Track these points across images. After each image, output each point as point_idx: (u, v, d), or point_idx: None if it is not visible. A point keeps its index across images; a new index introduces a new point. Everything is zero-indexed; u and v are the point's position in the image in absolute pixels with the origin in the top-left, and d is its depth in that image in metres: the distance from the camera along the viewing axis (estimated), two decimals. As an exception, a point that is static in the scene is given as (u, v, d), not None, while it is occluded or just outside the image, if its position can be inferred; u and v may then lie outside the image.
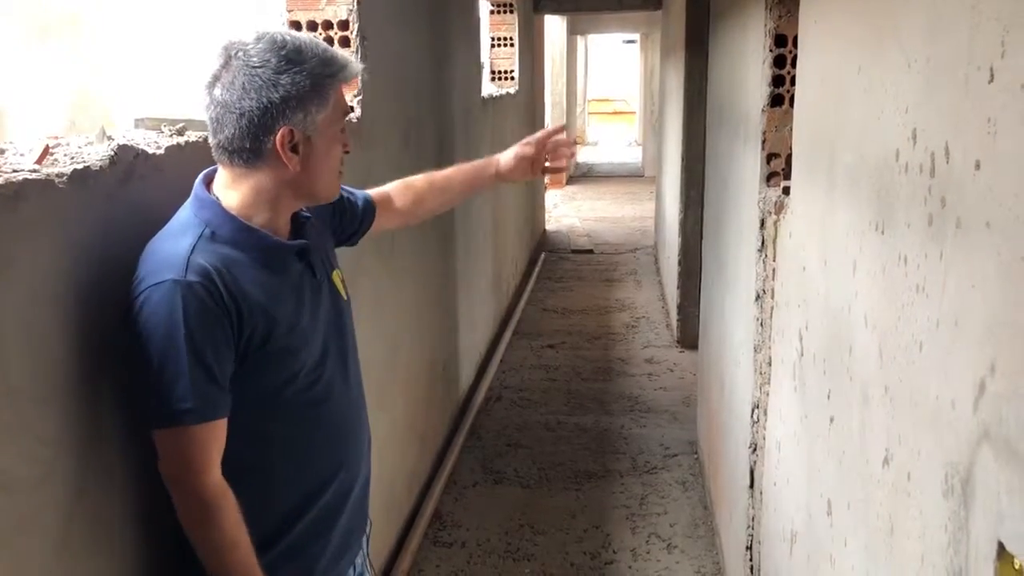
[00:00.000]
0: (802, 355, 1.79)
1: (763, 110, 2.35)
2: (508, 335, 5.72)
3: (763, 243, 2.34)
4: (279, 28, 1.45)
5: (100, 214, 1.32)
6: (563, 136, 2.02)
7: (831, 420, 1.54)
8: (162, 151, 1.49)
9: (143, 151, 1.44)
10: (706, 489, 3.56)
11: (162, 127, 1.64)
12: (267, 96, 1.31)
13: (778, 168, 2.38)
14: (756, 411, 2.42)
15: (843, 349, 1.47)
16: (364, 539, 1.68)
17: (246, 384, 1.36)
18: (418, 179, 1.95)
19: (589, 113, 21.64)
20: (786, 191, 2.18)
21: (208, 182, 1.41)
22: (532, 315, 6.32)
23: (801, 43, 1.85)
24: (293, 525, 1.47)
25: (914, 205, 1.11)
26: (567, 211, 11.05)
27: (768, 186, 2.37)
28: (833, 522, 1.52)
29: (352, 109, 1.45)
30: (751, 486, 2.49)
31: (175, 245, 1.31)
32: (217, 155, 1.39)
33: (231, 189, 1.39)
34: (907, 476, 1.13)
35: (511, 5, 6.86)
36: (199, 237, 1.33)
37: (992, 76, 0.88)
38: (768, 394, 2.26)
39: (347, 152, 1.46)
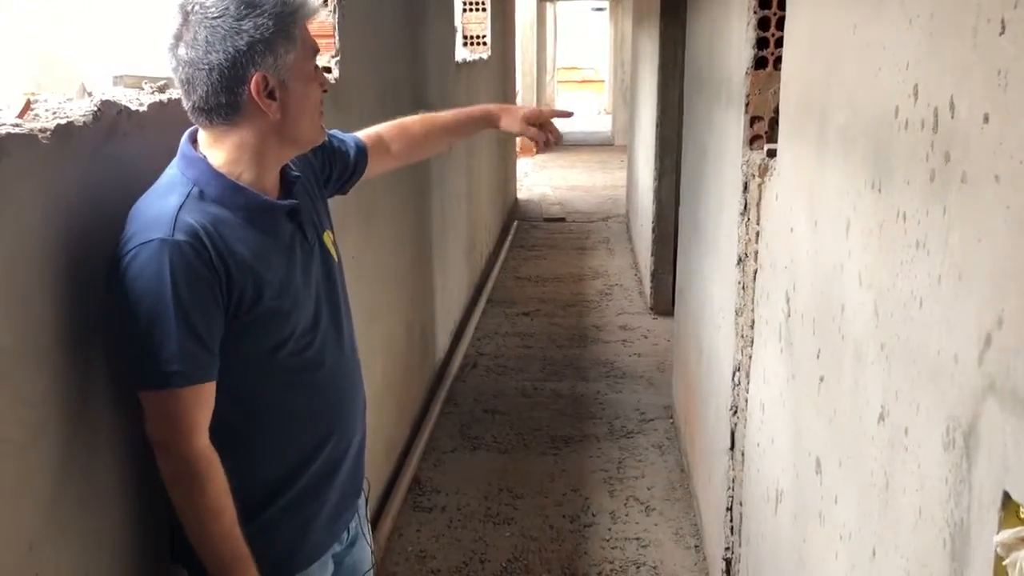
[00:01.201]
0: (789, 316, 1.80)
1: (747, 72, 2.34)
2: (483, 303, 5.72)
3: (746, 206, 2.34)
4: None
5: (84, 171, 1.28)
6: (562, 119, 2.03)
7: (821, 379, 1.55)
8: (145, 108, 1.45)
9: (126, 107, 1.40)
10: (682, 452, 3.60)
11: (143, 84, 1.59)
12: (233, 45, 1.27)
13: (761, 131, 2.38)
14: (737, 374, 2.44)
15: (834, 308, 1.47)
16: (361, 501, 1.67)
17: (237, 347, 1.33)
18: (414, 122, 1.91)
19: (558, 81, 21.54)
20: (771, 154, 2.18)
21: (194, 140, 1.38)
22: (506, 283, 6.32)
23: (789, 4, 1.84)
24: (286, 490, 1.45)
25: (914, 161, 1.11)
26: (538, 180, 11.03)
27: (751, 149, 2.37)
28: (823, 480, 1.53)
29: (318, 47, 1.41)
30: (731, 448, 2.51)
31: (163, 204, 1.28)
32: (194, 117, 1.35)
33: (215, 148, 1.35)
34: (904, 431, 1.14)
35: (483, -31, 6.78)
36: (187, 196, 1.30)
37: (1003, 27, 0.87)
38: (751, 357, 2.28)
39: (325, 91, 1.42)
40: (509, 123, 1.97)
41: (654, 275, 5.47)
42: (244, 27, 1.27)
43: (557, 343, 5.05)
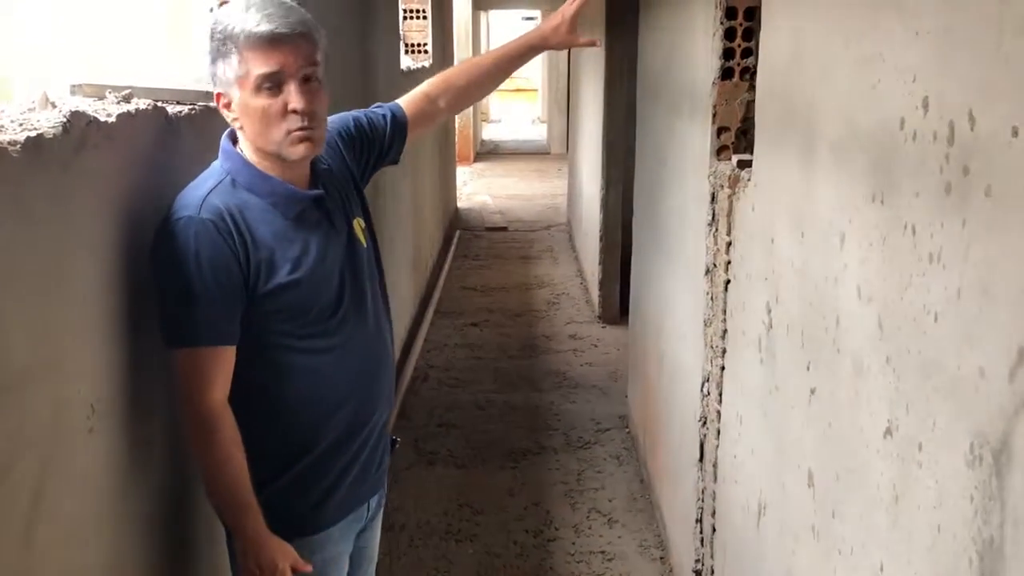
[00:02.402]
0: (771, 328, 1.80)
1: (714, 83, 2.34)
2: (430, 314, 5.65)
3: (714, 217, 2.34)
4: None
5: (54, 185, 1.19)
6: None
7: (812, 391, 1.54)
8: (114, 119, 1.36)
9: (95, 118, 1.31)
10: (641, 462, 3.59)
11: (107, 93, 1.51)
12: (207, 62, 1.48)
13: (728, 141, 2.38)
14: (707, 385, 2.43)
15: (827, 321, 1.47)
16: (384, 476, 1.77)
17: (258, 319, 1.48)
18: (458, 73, 1.99)
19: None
20: (741, 164, 2.18)
21: (234, 137, 1.55)
22: (452, 293, 6.26)
23: (766, 15, 1.84)
24: (307, 452, 1.57)
25: (925, 174, 1.10)
26: (477, 188, 10.99)
27: (719, 160, 2.37)
28: (816, 494, 1.52)
29: (280, 71, 1.46)
30: (700, 460, 2.50)
31: (197, 189, 1.47)
32: None
33: (245, 140, 1.52)
34: (917, 446, 1.13)
35: (424, -23, 6.71)
36: (219, 183, 1.48)
37: (1035, 41, 0.87)
38: (723, 368, 2.27)
39: (294, 111, 1.46)
40: (559, 41, 2.00)
41: (602, 284, 5.47)
42: (209, 46, 1.47)
43: (508, 354, 5.01)
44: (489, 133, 16.91)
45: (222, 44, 1.44)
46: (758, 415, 1.89)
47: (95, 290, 1.31)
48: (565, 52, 16.75)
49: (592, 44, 2.14)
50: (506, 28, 22.91)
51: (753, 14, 2.30)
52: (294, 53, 1.44)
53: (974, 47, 0.99)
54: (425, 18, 6.75)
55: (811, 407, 1.55)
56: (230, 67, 1.44)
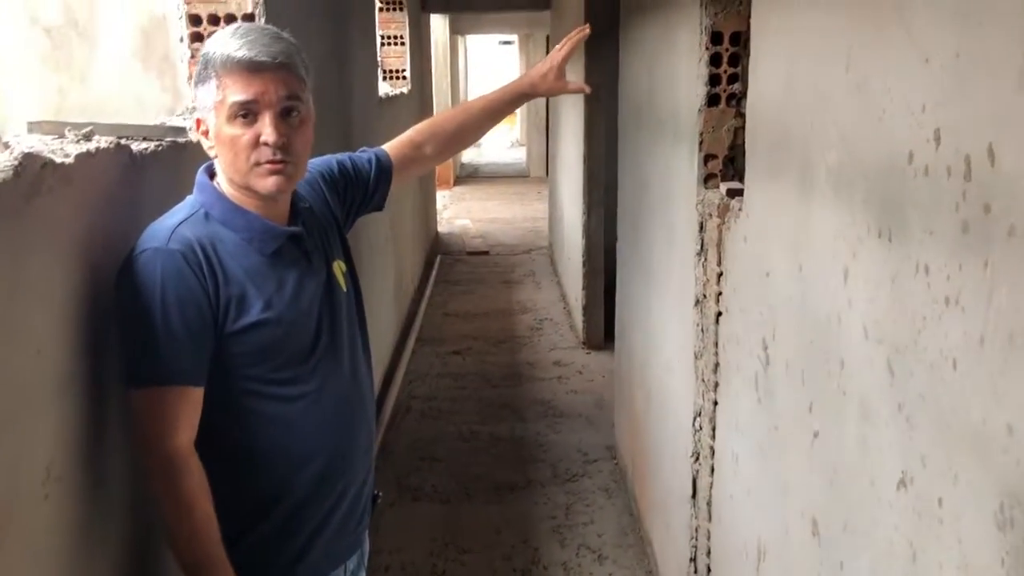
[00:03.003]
0: (768, 364, 1.72)
1: (700, 110, 2.28)
2: (411, 342, 5.55)
3: (702, 246, 2.27)
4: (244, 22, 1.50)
5: (5, 234, 1.10)
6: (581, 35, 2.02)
7: (815, 434, 1.47)
8: (71, 160, 1.28)
9: (51, 160, 1.22)
10: (631, 495, 3.50)
11: (66, 131, 1.42)
12: (192, 86, 1.45)
13: (715, 169, 2.32)
14: (698, 419, 2.36)
15: (830, 361, 1.40)
16: (363, 535, 1.68)
17: (227, 361, 1.40)
18: (446, 119, 1.95)
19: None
20: (730, 193, 2.12)
21: (212, 171, 1.48)
22: (434, 320, 6.16)
23: (755, 40, 1.78)
24: (277, 505, 1.48)
25: (939, 211, 1.04)
26: (457, 212, 10.92)
27: (706, 188, 2.31)
28: (821, 542, 1.45)
29: (256, 101, 1.39)
30: (693, 496, 2.42)
31: (166, 221, 1.40)
32: None
33: (222, 174, 1.46)
34: (937, 502, 1.06)
35: (401, 3, 6.66)
36: (191, 215, 1.41)
37: (1065, 72, 0.80)
38: (715, 402, 2.20)
39: (267, 144, 1.39)
40: (547, 88, 1.96)
41: (586, 309, 5.40)
42: (195, 71, 1.42)
43: (491, 382, 4.92)
44: (468, 156, 16.87)
45: (203, 68, 1.40)
46: (756, 455, 1.81)
47: (50, 345, 1.22)
48: (543, 75, 16.86)
49: (582, 90, 2.08)
50: (483, 52, 22.98)
51: (738, 39, 2.25)
52: (274, 83, 1.38)
53: (992, 75, 0.93)
54: (403, 44, 6.70)
55: (814, 450, 1.48)
56: (208, 92, 1.39)
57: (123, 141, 1.49)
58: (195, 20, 2.42)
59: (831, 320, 1.39)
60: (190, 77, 2.12)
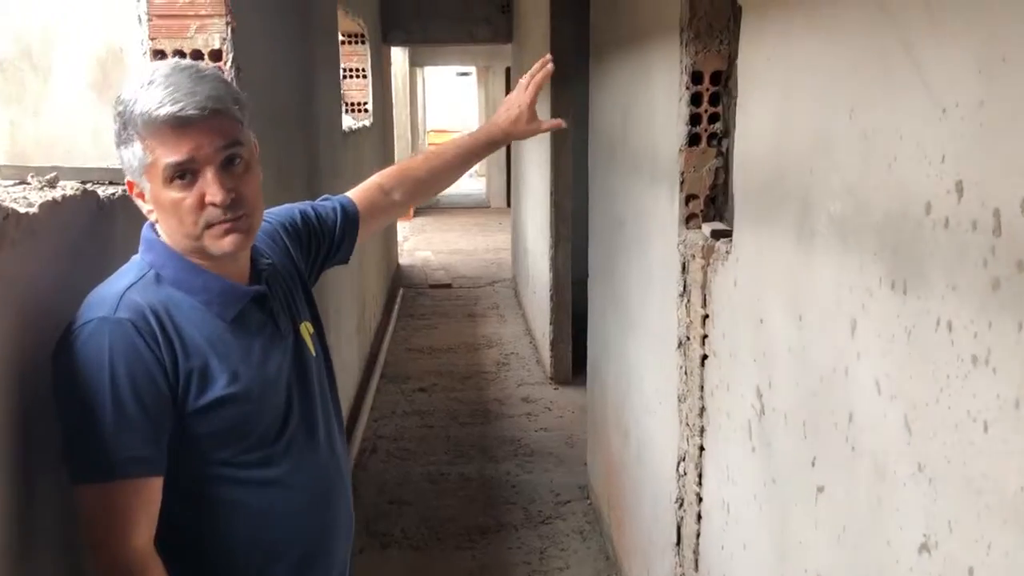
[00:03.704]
0: (763, 414, 1.67)
1: (680, 150, 2.25)
2: (376, 379, 5.43)
3: (685, 287, 2.23)
4: (162, 62, 1.29)
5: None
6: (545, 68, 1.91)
7: (819, 489, 1.42)
8: (36, 209, 1.19)
9: (13, 210, 1.14)
10: (607, 537, 3.43)
11: (29, 177, 1.33)
12: (115, 146, 1.26)
13: (696, 210, 2.28)
14: (683, 464, 2.30)
15: (837, 416, 1.35)
16: None
17: (189, 441, 1.25)
18: (417, 164, 1.83)
19: (428, 144, 21.56)
20: (715, 234, 2.08)
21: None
22: (398, 356, 6.05)
23: (743, 80, 1.75)
24: None
25: (963, 266, 1.00)
26: (418, 243, 10.84)
27: (687, 228, 2.27)
28: (830, 603, 1.39)
29: (192, 159, 1.22)
30: (678, 544, 2.36)
31: (111, 286, 1.25)
32: None
33: (166, 234, 1.30)
34: (967, 571, 1.01)
35: (363, 36, 6.62)
36: (140, 278, 1.25)
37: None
38: (701, 447, 2.14)
39: (214, 204, 1.23)
40: (521, 133, 1.86)
41: (553, 344, 5.34)
42: (114, 130, 1.24)
43: (459, 420, 4.83)
44: (427, 187, 16.79)
45: (123, 128, 1.21)
46: (752, 507, 1.75)
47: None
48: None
49: (559, 127, 1.97)
50: (440, 84, 23.04)
51: (719, 78, 2.22)
52: (208, 135, 1.21)
53: (1014, 127, 0.89)
54: (365, 77, 6.64)
55: (819, 507, 1.42)
56: (135, 155, 1.22)
57: (89, 186, 1.41)
58: (159, 55, 2.34)
59: (837, 372, 1.34)
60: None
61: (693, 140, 2.25)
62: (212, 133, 1.21)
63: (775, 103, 1.58)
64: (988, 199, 0.95)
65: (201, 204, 1.22)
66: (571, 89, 5.01)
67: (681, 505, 2.33)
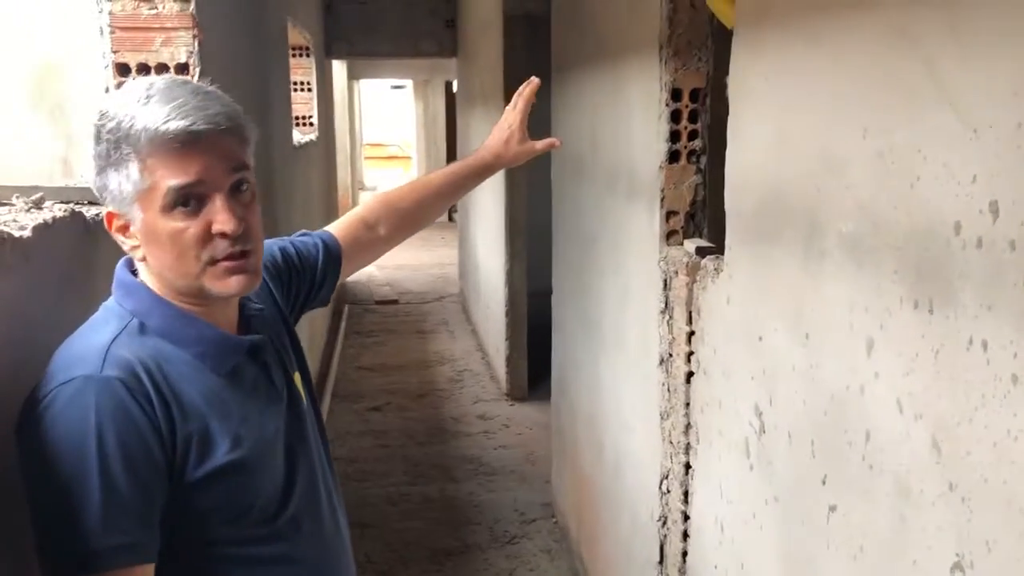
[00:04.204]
0: (763, 432, 1.67)
1: (661, 167, 2.25)
2: (327, 399, 5.33)
3: (667, 304, 2.23)
4: (156, 76, 1.16)
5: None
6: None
7: (832, 508, 1.41)
8: (29, 233, 1.12)
9: (8, 235, 1.07)
10: (576, 555, 3.40)
11: (13, 198, 1.25)
12: (94, 174, 1.10)
13: (677, 226, 2.29)
14: (666, 482, 2.29)
15: (850, 433, 1.34)
16: None
17: (185, 516, 1.08)
18: (402, 195, 1.67)
19: (365, 158, 21.37)
20: (700, 252, 2.08)
21: (132, 266, 1.16)
22: (348, 375, 5.95)
23: (736, 99, 1.75)
24: None
25: (1000, 287, 1.00)
26: (361, 260, 10.70)
27: (668, 245, 2.27)
28: (845, 622, 1.38)
29: (201, 182, 1.08)
30: (661, 562, 2.35)
31: (92, 338, 1.08)
32: None
33: (152, 275, 1.14)
34: (1009, 591, 1.01)
35: (308, 49, 6.53)
36: (123, 329, 1.09)
37: None
38: (687, 465, 2.13)
39: (224, 235, 1.09)
40: (514, 155, 1.74)
41: (509, 360, 5.31)
42: (95, 150, 1.08)
43: (416, 440, 4.76)
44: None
45: (114, 148, 1.06)
46: (751, 525, 1.74)
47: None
48: (443, 117, 16.86)
49: (553, 147, 1.81)
50: (376, 97, 22.90)
51: (698, 95, 2.23)
52: (219, 155, 1.08)
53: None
54: (310, 90, 6.55)
55: (831, 526, 1.42)
56: (128, 179, 1.06)
57: (76, 208, 1.34)
58: (123, 69, 2.25)
59: (851, 391, 1.34)
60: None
61: (673, 157, 2.25)
62: (223, 153, 1.08)
63: (774, 121, 1.58)
64: (1029, 220, 0.95)
65: (206, 236, 1.08)
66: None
67: (664, 523, 2.32)
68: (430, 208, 1.71)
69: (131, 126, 1.04)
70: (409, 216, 1.66)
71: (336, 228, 1.58)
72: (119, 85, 2.23)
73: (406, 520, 3.82)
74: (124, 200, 1.07)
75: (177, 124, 1.04)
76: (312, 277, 1.48)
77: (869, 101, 1.26)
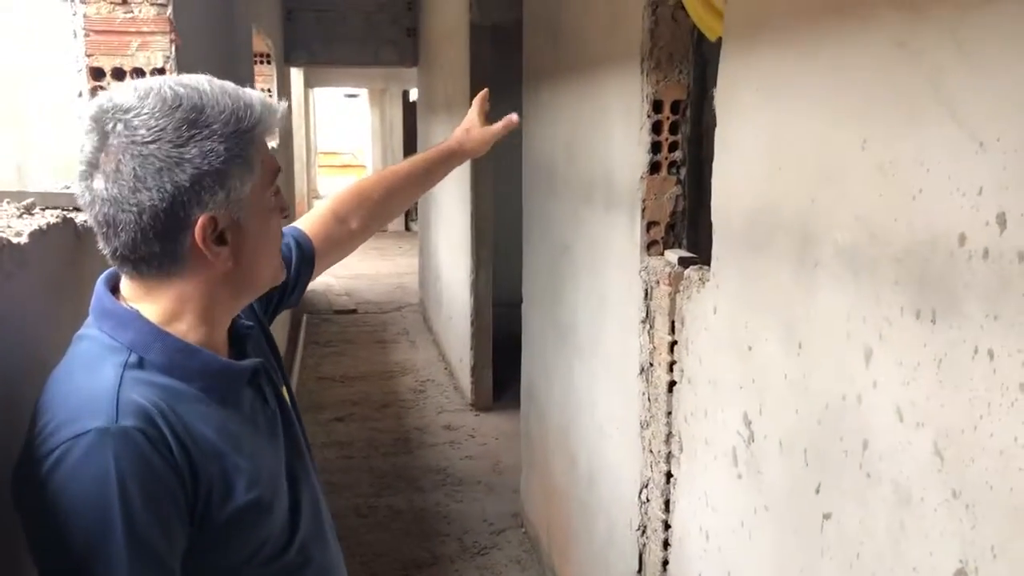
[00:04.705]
0: (751, 441, 1.68)
1: (642, 177, 2.26)
2: (289, 410, 5.25)
3: (648, 314, 2.24)
4: (163, 79, 1.03)
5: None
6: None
7: (826, 516, 1.43)
8: (25, 239, 1.09)
9: (7, 241, 1.03)
10: (546, 566, 3.39)
11: (4, 203, 1.21)
12: (171, 181, 0.95)
13: (658, 236, 2.30)
14: (645, 491, 2.30)
15: (846, 441, 1.36)
16: None
17: (201, 564, 0.99)
18: (372, 186, 1.60)
19: (319, 166, 21.20)
20: (683, 262, 2.10)
21: (114, 287, 1.04)
22: (309, 386, 5.87)
23: (724, 111, 1.77)
24: None
25: (1008, 297, 1.02)
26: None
27: (649, 255, 2.28)
28: (841, 629, 1.40)
29: (279, 167, 1.07)
30: (640, 571, 2.35)
31: (92, 380, 0.95)
32: (117, 265, 1.02)
33: (147, 301, 1.02)
34: (1017, 595, 1.02)
35: (269, 56, 6.46)
36: (124, 366, 0.96)
37: None
38: (669, 474, 2.14)
39: (286, 216, 1.11)
40: (476, 140, 1.72)
41: (474, 370, 5.29)
42: (187, 155, 0.95)
43: (381, 451, 4.71)
44: (321, 210, 16.50)
45: (237, 141, 0.98)
46: (739, 534, 1.75)
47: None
48: (400, 128, 16.78)
49: (512, 125, 1.77)
50: (330, 105, 22.76)
51: (678, 107, 2.25)
52: None
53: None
54: (271, 98, 6.48)
55: (826, 533, 1.43)
56: (249, 172, 1.00)
57: (68, 214, 1.30)
58: (97, 74, 2.20)
59: (848, 400, 1.36)
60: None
61: (654, 168, 2.27)
62: None
63: (765, 134, 1.60)
64: (1038, 231, 0.98)
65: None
66: (488, 115, 4.99)
67: (644, 532, 2.32)
68: (401, 197, 1.66)
69: (253, 113, 1.00)
70: (379, 207, 1.60)
71: (307, 225, 1.51)
72: (93, 90, 2.19)
73: (374, 532, 3.78)
74: (241, 198, 1.00)
75: (276, 109, 1.04)
76: (285, 281, 1.38)
77: (869, 113, 1.28)
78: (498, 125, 1.76)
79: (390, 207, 1.64)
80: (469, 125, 1.74)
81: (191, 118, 0.96)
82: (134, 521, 0.89)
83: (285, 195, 1.12)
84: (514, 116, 1.80)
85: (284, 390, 1.23)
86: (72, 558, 0.88)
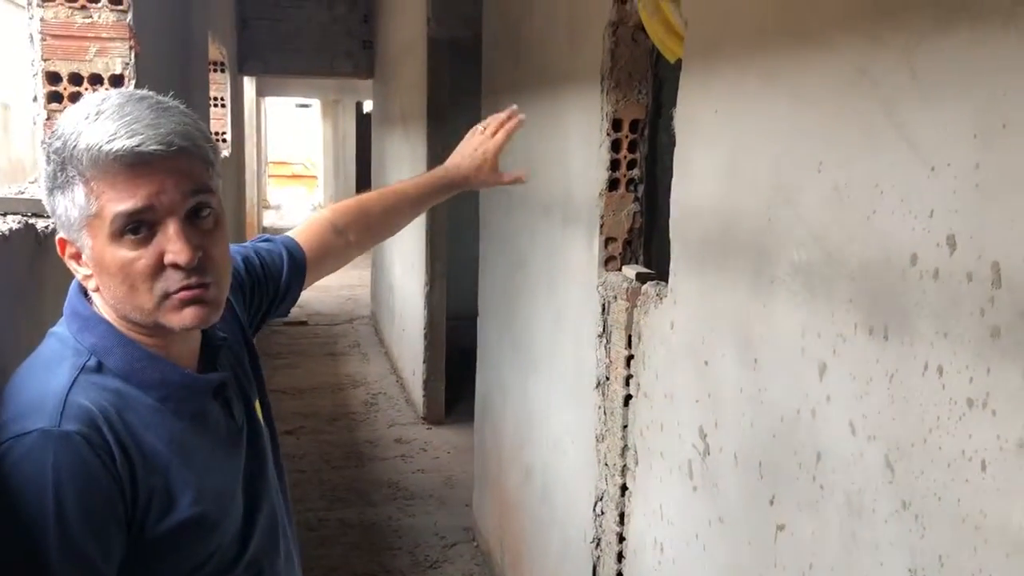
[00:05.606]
0: (707, 454, 1.72)
1: (601, 194, 2.30)
2: (238, 422, 5.18)
3: (605, 328, 2.27)
4: (114, 90, 1.07)
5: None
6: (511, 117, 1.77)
7: (780, 528, 1.46)
8: (-10, 245, 1.07)
9: (-28, 247, 1.02)
10: (499, 580, 3.40)
11: (-34, 209, 1.20)
12: (44, 193, 1.01)
13: (615, 252, 2.34)
14: (600, 504, 2.32)
15: (800, 454, 1.40)
16: None
17: (143, 574, 0.99)
18: (372, 201, 1.60)
19: (269, 176, 21.02)
20: (641, 277, 2.13)
21: (87, 292, 1.04)
22: (259, 397, 5.80)
23: (684, 131, 1.81)
24: None
25: (957, 315, 1.06)
26: (267, 280, 10.48)
27: (607, 270, 2.32)
28: (793, 638, 1.43)
29: (151, 208, 0.97)
30: (594, 583, 2.37)
31: (47, 381, 0.97)
32: None
33: (106, 309, 1.03)
34: (963, 603, 1.07)
35: (223, 64, 6.40)
36: (80, 369, 0.98)
37: None
38: (623, 487, 2.17)
39: (176, 266, 0.98)
40: (481, 182, 1.72)
41: (427, 384, 5.28)
42: (46, 172, 0.99)
43: (332, 464, 4.67)
44: (270, 220, 16.36)
45: (60, 169, 0.96)
46: (694, 546, 1.78)
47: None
48: (353, 140, 16.73)
49: (519, 181, 1.81)
50: (281, 114, 22.57)
51: (637, 126, 2.30)
52: (172, 178, 0.97)
53: (1017, 187, 0.97)
54: (224, 106, 6.42)
55: (779, 544, 1.47)
56: (73, 203, 0.96)
57: (29, 220, 1.28)
58: (53, 78, 2.17)
59: (802, 414, 1.40)
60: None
61: (612, 185, 2.31)
62: (177, 175, 0.97)
63: (724, 154, 1.64)
64: (985, 253, 1.02)
65: (158, 267, 0.98)
66: (445, 128, 5.01)
67: (598, 545, 2.34)
68: (399, 217, 1.67)
69: (75, 145, 0.95)
70: (378, 223, 1.61)
71: (301, 234, 1.49)
72: (49, 95, 2.16)
73: (325, 546, 3.74)
74: (72, 226, 0.98)
75: (122, 143, 0.94)
76: (276, 288, 1.40)
77: (826, 137, 1.33)
78: (507, 176, 1.79)
79: (388, 224, 1.67)
80: (481, 163, 1.73)
81: (54, 130, 0.99)
82: (67, 526, 0.89)
83: (228, 205, 1.09)
84: (523, 175, 1.83)
85: (258, 404, 1.22)
86: (7, 549, 0.88)
